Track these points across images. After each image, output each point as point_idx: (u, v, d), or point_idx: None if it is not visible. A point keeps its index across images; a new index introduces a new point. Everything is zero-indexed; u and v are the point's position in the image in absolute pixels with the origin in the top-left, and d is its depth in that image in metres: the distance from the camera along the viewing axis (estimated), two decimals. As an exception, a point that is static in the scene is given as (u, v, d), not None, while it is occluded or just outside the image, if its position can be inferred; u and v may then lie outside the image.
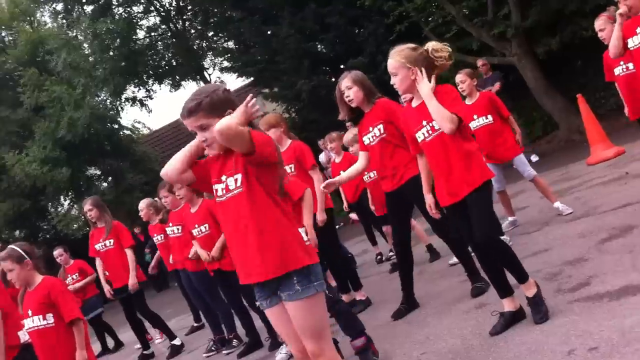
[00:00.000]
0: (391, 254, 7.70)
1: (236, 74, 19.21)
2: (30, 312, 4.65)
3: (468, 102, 6.66)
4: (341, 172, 8.04)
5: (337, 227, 12.55)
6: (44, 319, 4.61)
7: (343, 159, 7.88)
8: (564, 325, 3.81)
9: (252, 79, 19.21)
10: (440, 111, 3.93)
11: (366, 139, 5.29)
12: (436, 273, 5.64)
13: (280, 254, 3.05)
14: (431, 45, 4.11)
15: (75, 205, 19.28)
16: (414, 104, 4.19)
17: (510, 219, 7.00)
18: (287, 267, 3.05)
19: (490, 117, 6.62)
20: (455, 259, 5.96)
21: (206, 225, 6.09)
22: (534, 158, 12.15)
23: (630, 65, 5.44)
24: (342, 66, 17.29)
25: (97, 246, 7.64)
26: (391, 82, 4.16)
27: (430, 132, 4.09)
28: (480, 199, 4.02)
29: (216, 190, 3.19)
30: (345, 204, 8.60)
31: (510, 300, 4.17)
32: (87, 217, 7.83)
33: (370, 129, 5.22)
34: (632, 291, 3.90)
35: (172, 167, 3.23)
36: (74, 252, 9.83)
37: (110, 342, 9.92)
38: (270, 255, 3.05)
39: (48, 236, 21.70)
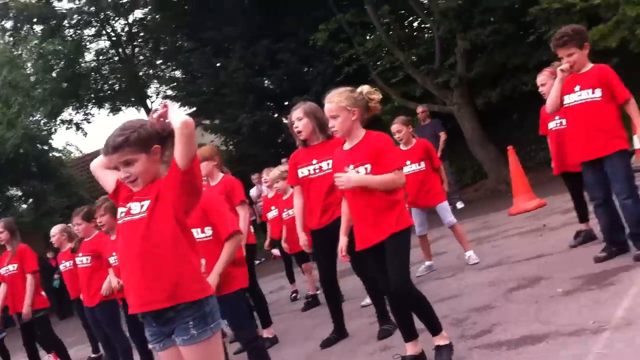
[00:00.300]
0: (310, 292, 7.59)
1: (179, 103, 19.02)
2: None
3: (403, 147, 6.76)
4: (272, 207, 8.02)
5: (256, 262, 12.46)
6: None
7: (275, 194, 7.82)
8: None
9: (194, 109, 19.06)
10: (385, 182, 3.91)
11: (305, 171, 5.22)
12: (347, 314, 5.58)
13: (171, 285, 2.91)
14: (365, 88, 4.15)
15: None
16: (347, 146, 4.15)
17: (427, 263, 7.01)
18: (177, 299, 2.91)
19: (422, 164, 6.72)
20: (368, 300, 5.90)
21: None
22: (460, 205, 12.28)
23: (564, 121, 5.53)
24: (286, 103, 17.35)
25: (2, 270, 7.37)
26: (330, 125, 4.14)
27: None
28: (398, 245, 3.96)
29: (120, 212, 3.08)
30: (267, 241, 8.50)
31: (413, 345, 4.09)
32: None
33: (314, 161, 5.17)
34: (531, 341, 3.91)
35: (99, 160, 3.22)
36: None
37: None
38: (159, 285, 2.91)
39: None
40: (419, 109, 12.86)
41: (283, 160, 12.26)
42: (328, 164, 5.05)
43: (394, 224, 3.95)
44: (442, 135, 12.29)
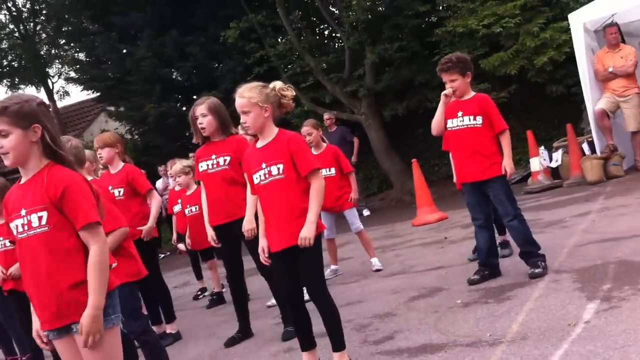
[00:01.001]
0: (215, 290, 7.54)
1: (82, 87, 18.38)
2: None
3: (314, 151, 6.75)
4: (178, 200, 7.87)
5: (161, 256, 12.22)
6: None
7: (181, 188, 7.71)
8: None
9: (99, 94, 18.46)
10: (318, 200, 3.88)
11: (204, 165, 5.21)
12: (252, 314, 5.58)
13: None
14: (278, 84, 4.08)
15: None
16: (259, 144, 4.07)
17: (332, 267, 7.12)
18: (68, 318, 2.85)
19: (332, 170, 6.81)
20: (273, 301, 5.93)
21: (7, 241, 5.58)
22: (366, 212, 12.57)
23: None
24: (194, 97, 17.10)
25: None
26: (242, 121, 4.04)
27: (266, 175, 3.95)
28: (310, 253, 3.90)
29: (15, 226, 2.88)
30: (174, 235, 8.37)
31: (311, 354, 4.10)
32: None
33: (214, 157, 5.16)
34: (430, 349, 4.03)
35: None
36: None
37: None
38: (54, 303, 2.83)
39: None
40: (326, 116, 12.89)
41: (191, 154, 12.09)
42: (225, 160, 5.14)
43: None
44: (356, 140, 12.52)
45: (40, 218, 2.81)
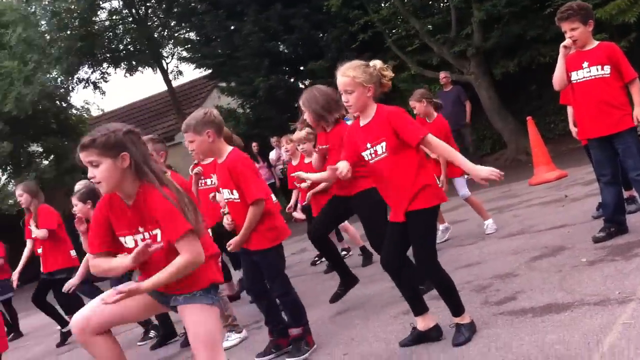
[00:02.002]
0: (344, 253, 7.72)
1: (194, 65, 18.98)
2: None
3: (428, 120, 6.83)
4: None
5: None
6: None
7: (300, 160, 7.81)
8: (486, 337, 3.81)
9: (210, 71, 19.01)
10: (447, 151, 3.89)
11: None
12: (367, 277, 5.65)
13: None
14: (378, 64, 4.03)
15: (12, 181, 18.72)
16: (362, 122, 4.06)
17: (442, 227, 7.10)
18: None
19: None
20: None
21: None
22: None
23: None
24: (302, 68, 17.29)
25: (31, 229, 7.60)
26: (344, 100, 4.01)
27: (373, 155, 3.96)
28: (422, 221, 3.91)
29: (135, 241, 3.18)
30: (291, 203, 8.53)
31: (423, 318, 4.10)
32: (18, 201, 7.75)
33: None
34: (555, 309, 3.93)
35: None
36: (7, 228, 9.57)
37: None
38: None
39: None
40: (442, 75, 12.95)
41: (297, 124, 12.26)
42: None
43: (422, 198, 3.88)
44: (468, 104, 12.48)
45: (154, 236, 3.12)
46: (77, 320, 3.24)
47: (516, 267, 5.15)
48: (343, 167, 3.92)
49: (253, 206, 4.36)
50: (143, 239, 3.12)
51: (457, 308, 3.97)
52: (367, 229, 5.20)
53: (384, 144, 3.88)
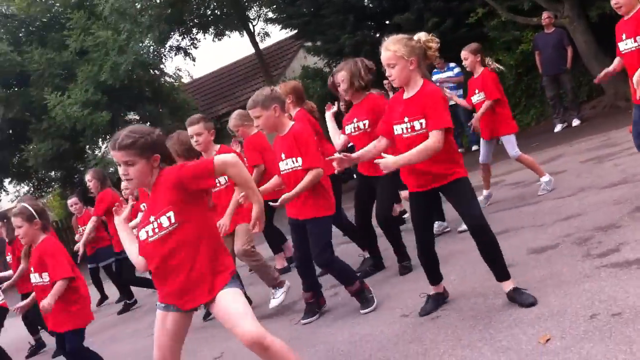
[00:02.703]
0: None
1: (280, 26, 19.05)
2: (32, 269, 4.94)
3: (474, 75, 6.89)
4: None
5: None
6: (41, 277, 4.88)
7: None
8: (589, 290, 3.75)
9: (295, 31, 19.03)
10: (419, 153, 3.87)
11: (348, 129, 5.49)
12: (464, 232, 5.60)
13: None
14: (423, 36, 4.04)
15: (112, 148, 19.48)
16: (405, 95, 4.10)
17: (485, 192, 7.08)
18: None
19: (482, 95, 6.80)
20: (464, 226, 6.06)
21: None
22: (576, 122, 11.94)
23: None
24: (387, 22, 17.04)
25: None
26: (387, 74, 4.05)
27: (409, 129, 4.02)
28: (464, 185, 4.03)
29: (147, 232, 3.31)
30: None
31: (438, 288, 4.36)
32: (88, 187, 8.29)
33: (355, 120, 5.43)
34: (662, 260, 3.82)
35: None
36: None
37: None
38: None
39: (83, 178, 22.00)
40: (544, 15, 12.48)
41: (385, 82, 12.19)
42: (364, 124, 5.33)
43: (451, 172, 4.01)
44: (570, 49, 12.14)
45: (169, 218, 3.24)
46: None
47: (619, 218, 5.00)
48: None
49: (310, 172, 4.64)
50: (152, 228, 3.27)
51: (503, 272, 4.00)
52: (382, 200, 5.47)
53: (423, 120, 3.95)
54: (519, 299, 3.87)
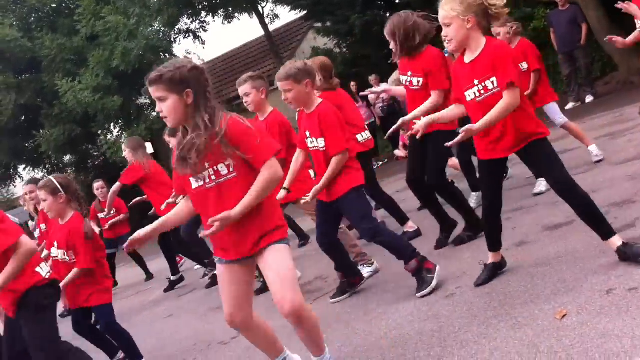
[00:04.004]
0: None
1: (289, 7, 18.97)
2: (56, 244, 4.94)
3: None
4: None
5: (376, 166, 12.64)
6: (66, 254, 4.91)
7: None
8: (605, 265, 3.74)
9: (305, 12, 18.94)
10: (502, 112, 3.70)
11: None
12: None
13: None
14: None
15: (124, 133, 19.62)
16: (467, 59, 3.88)
17: (591, 149, 6.78)
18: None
19: (524, 65, 6.51)
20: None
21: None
22: (589, 98, 11.85)
23: None
24: (397, 1, 16.92)
25: None
26: (443, 35, 3.85)
27: (482, 92, 3.80)
28: (547, 147, 3.83)
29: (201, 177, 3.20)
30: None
31: (497, 255, 4.20)
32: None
33: (410, 73, 5.25)
34: (679, 234, 3.80)
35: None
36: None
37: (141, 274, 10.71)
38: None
39: (97, 162, 22.18)
40: None
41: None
42: (419, 81, 5.15)
43: (533, 132, 3.82)
44: (584, 26, 12.06)
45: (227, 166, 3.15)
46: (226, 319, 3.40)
47: (634, 193, 4.97)
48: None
49: (335, 159, 4.54)
50: (209, 175, 3.16)
51: (605, 230, 3.76)
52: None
53: (494, 79, 3.73)
54: (633, 253, 3.60)
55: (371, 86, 14.82)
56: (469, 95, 3.86)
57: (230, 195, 3.15)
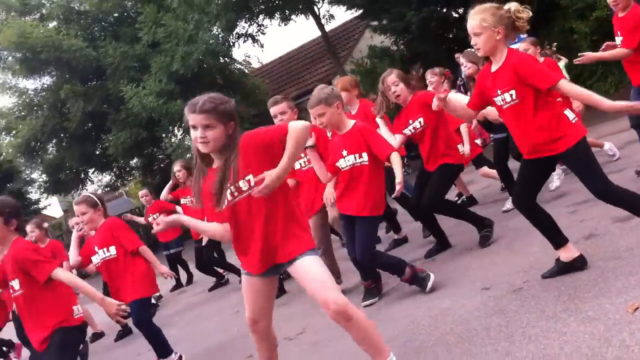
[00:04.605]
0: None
1: (345, 7, 18.95)
2: (96, 248, 5.38)
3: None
4: None
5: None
6: (108, 251, 5.35)
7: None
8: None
9: (361, 11, 18.89)
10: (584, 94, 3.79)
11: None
12: (545, 203, 5.49)
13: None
14: (514, 6, 3.95)
15: (187, 136, 19.99)
16: (493, 67, 4.03)
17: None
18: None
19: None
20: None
21: None
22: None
23: None
24: (454, -4, 16.73)
25: (184, 201, 8.67)
26: (472, 43, 4.00)
27: (504, 101, 3.96)
28: (581, 151, 3.86)
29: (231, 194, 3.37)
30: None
31: (564, 250, 4.11)
32: (176, 176, 8.60)
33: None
34: None
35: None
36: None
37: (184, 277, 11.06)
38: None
39: (162, 165, 22.68)
40: None
41: (456, 55, 11.98)
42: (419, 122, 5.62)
43: (568, 136, 3.87)
44: None
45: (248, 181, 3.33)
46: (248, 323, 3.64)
47: None
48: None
49: (394, 156, 4.78)
50: (231, 193, 3.34)
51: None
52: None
53: (513, 92, 3.89)
54: None
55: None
56: (498, 101, 4.02)
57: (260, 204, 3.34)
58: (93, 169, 23.75)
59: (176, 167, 8.63)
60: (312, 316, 5.39)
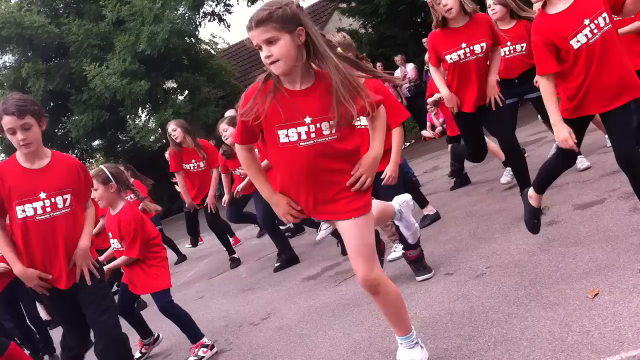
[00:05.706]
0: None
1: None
2: (110, 234, 5.00)
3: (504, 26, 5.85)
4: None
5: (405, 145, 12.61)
6: (121, 243, 4.95)
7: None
8: (637, 243, 3.71)
9: (330, -7, 18.87)
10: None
11: (454, 56, 5.05)
12: (507, 190, 5.57)
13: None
14: None
15: (152, 118, 19.74)
16: (561, 7, 3.53)
17: None
18: None
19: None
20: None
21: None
22: None
23: None
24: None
25: (189, 166, 8.02)
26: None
27: (595, 31, 3.45)
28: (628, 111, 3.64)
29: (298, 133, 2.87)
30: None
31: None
32: (172, 137, 7.91)
33: (464, 45, 5.10)
34: None
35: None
36: (149, 163, 10.19)
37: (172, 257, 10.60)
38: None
39: (126, 147, 22.39)
40: None
41: (424, 40, 12.00)
42: (482, 47, 4.93)
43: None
44: None
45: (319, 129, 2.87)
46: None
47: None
48: None
49: (397, 129, 4.54)
50: (307, 132, 2.85)
51: None
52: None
53: (605, 14, 3.44)
54: None
55: (397, 66, 14.76)
56: (581, 39, 3.49)
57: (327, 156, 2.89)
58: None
59: (171, 126, 8.00)
60: (277, 301, 5.39)
